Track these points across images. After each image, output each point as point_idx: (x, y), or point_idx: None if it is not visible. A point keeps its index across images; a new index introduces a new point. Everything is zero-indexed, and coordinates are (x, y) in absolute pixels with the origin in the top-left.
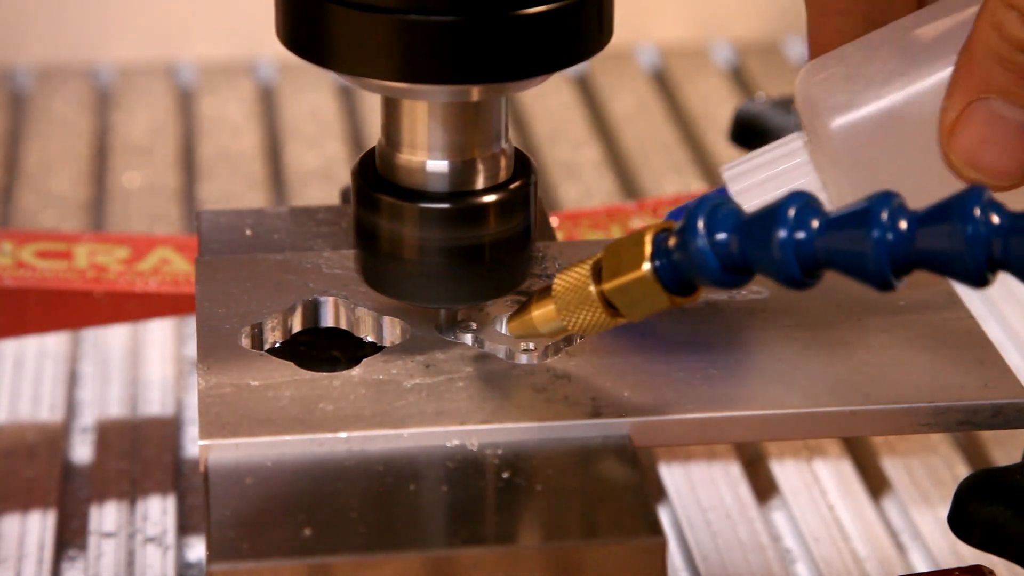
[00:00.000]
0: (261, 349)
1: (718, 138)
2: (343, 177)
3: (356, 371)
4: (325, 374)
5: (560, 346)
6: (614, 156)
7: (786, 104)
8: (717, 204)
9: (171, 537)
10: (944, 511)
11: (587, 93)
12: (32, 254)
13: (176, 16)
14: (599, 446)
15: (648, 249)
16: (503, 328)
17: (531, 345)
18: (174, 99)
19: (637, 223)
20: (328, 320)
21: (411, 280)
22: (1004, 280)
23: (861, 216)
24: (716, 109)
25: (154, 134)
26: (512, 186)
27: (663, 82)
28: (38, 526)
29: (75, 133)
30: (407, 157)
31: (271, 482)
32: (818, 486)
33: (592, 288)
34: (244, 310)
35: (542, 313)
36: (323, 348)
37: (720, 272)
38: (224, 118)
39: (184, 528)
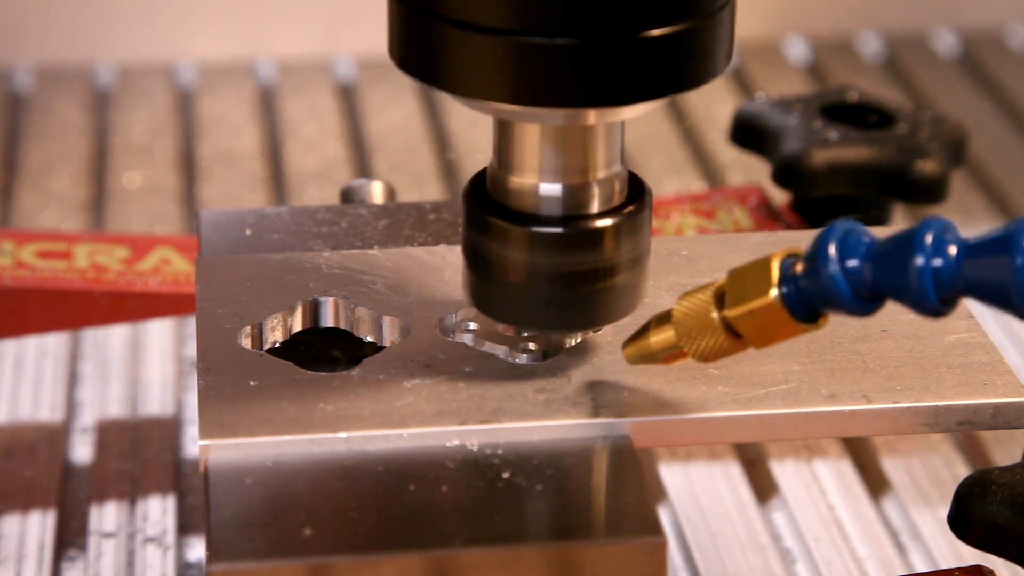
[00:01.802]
0: (261, 349)
1: (718, 138)
2: (343, 177)
3: (356, 371)
4: (325, 374)
5: (560, 346)
6: None
7: (786, 104)
8: (848, 230)
9: (171, 537)
10: (944, 511)
11: None
12: (32, 254)
13: (176, 16)
14: (599, 446)
15: (775, 275)
16: (503, 329)
17: (531, 345)
18: (174, 99)
19: None
20: (328, 320)
21: (523, 305)
22: None
23: (1003, 243)
24: (716, 109)
25: (154, 134)
26: (626, 210)
27: None
28: (38, 526)
29: (75, 133)
30: (519, 180)
31: (271, 482)
32: (818, 486)
33: (715, 314)
34: (244, 310)
35: (661, 339)
36: (323, 348)
37: (852, 300)
38: (224, 118)
39: (184, 528)
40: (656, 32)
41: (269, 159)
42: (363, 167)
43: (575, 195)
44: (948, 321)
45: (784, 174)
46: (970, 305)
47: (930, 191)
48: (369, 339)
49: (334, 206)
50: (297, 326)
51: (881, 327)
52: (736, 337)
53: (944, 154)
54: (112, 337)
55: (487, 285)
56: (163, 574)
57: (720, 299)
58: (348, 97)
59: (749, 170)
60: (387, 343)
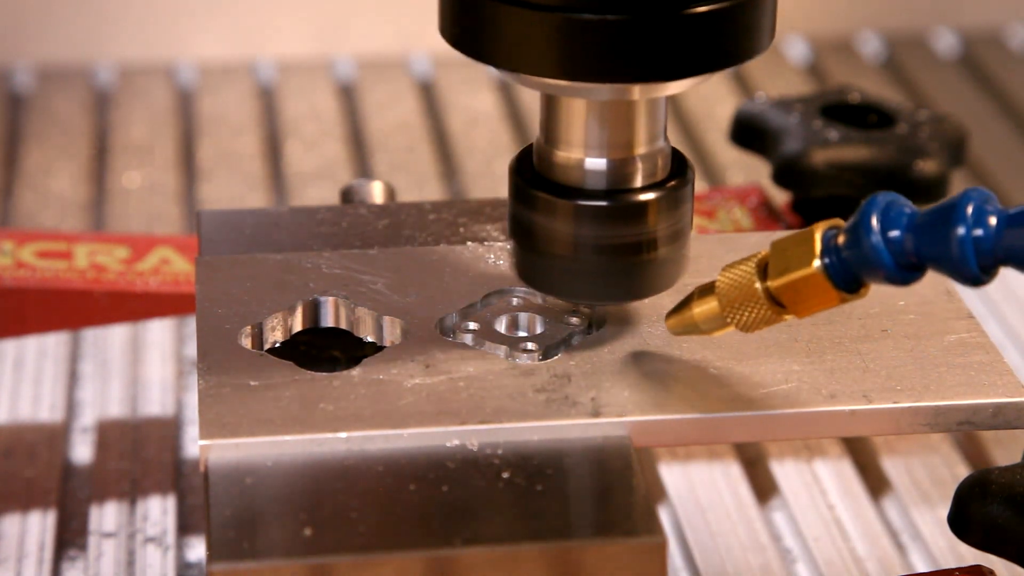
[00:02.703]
0: (261, 349)
1: (718, 138)
2: (343, 177)
3: (356, 371)
4: (325, 374)
5: (560, 346)
6: None
7: (786, 104)
8: (890, 201)
9: (171, 537)
10: (944, 511)
11: None
12: (32, 254)
13: (176, 16)
14: (599, 446)
15: (818, 246)
16: (503, 329)
17: (531, 345)
18: (174, 99)
19: None
20: (328, 320)
21: (569, 277)
22: (1004, 280)
23: None
24: (716, 109)
25: (154, 134)
26: (669, 184)
27: None
28: (38, 526)
29: (75, 133)
30: (565, 154)
31: (271, 482)
32: (818, 486)
33: (758, 285)
34: (244, 310)
35: (704, 310)
36: (323, 348)
37: (894, 269)
38: (224, 118)
39: (184, 528)
40: (702, 8)
41: (269, 159)
42: (363, 167)
43: (619, 169)
44: (948, 321)
45: (784, 174)
46: (970, 305)
47: (930, 191)
48: (369, 339)
49: (334, 206)
50: (297, 326)
51: (881, 327)
52: (779, 307)
53: (944, 154)
54: (112, 337)
55: (533, 258)
56: (163, 574)
57: (763, 270)
58: (348, 97)
59: (749, 170)
60: (387, 343)
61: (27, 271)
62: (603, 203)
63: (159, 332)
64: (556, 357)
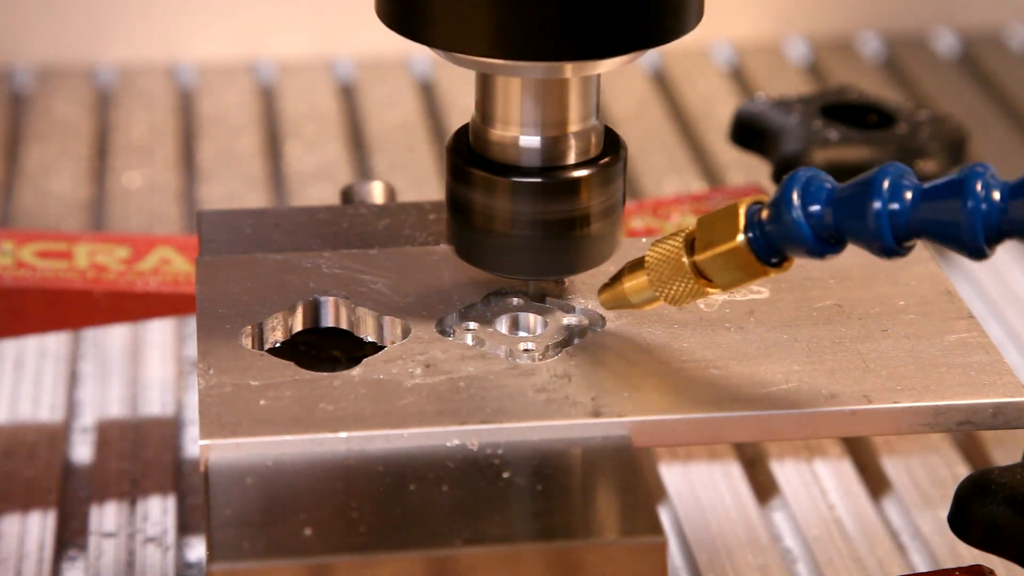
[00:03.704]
0: (261, 349)
1: (718, 138)
2: (343, 177)
3: (356, 371)
4: (325, 374)
5: (560, 346)
6: None
7: (786, 104)
8: (810, 177)
9: (171, 537)
10: (944, 511)
11: None
12: (32, 254)
13: (176, 16)
14: (599, 446)
15: (742, 221)
16: (503, 329)
17: (531, 345)
18: (174, 99)
19: (637, 223)
20: (328, 320)
21: (505, 253)
22: (1004, 280)
23: (955, 187)
24: (716, 109)
25: (154, 134)
26: (602, 161)
27: (663, 82)
28: (38, 526)
29: (75, 133)
30: (500, 132)
31: (271, 482)
32: (818, 486)
33: (685, 259)
34: (244, 310)
35: (634, 284)
36: (323, 348)
37: (814, 242)
38: (224, 118)
39: (184, 528)
40: None
41: (269, 159)
42: (363, 167)
43: (553, 147)
44: (948, 321)
45: (784, 174)
46: (971, 305)
47: None
48: (369, 339)
49: (334, 206)
50: (297, 326)
51: (881, 327)
52: (705, 280)
53: (944, 154)
54: (112, 337)
55: (469, 234)
56: (163, 574)
57: (690, 245)
58: (348, 97)
59: (749, 170)
60: (387, 343)
61: (27, 271)
62: (537, 180)
63: (159, 332)
64: (556, 357)
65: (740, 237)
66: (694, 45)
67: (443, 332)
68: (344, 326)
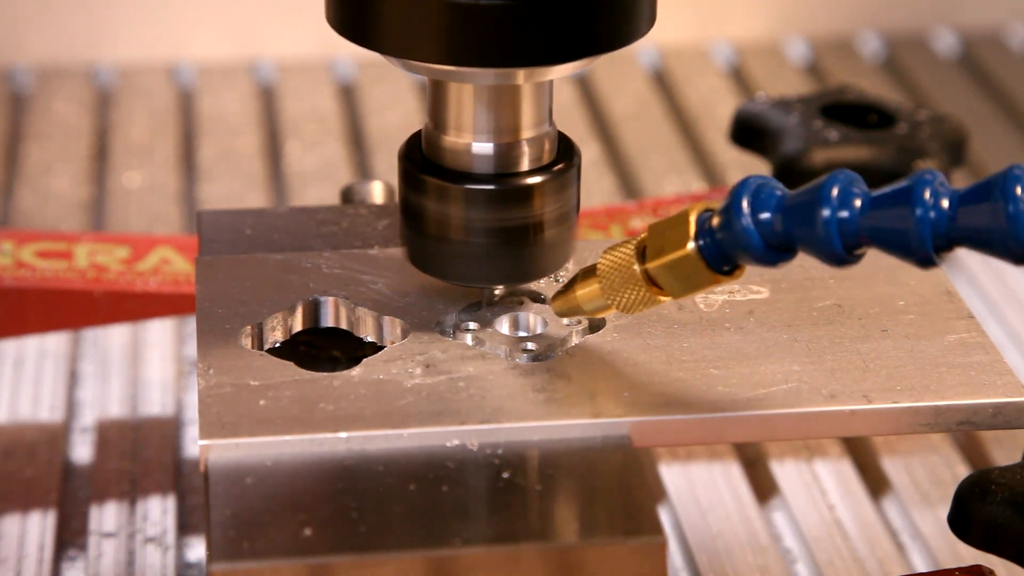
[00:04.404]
0: (261, 349)
1: (718, 138)
2: (343, 177)
3: (356, 371)
4: (325, 374)
5: (560, 346)
6: (614, 156)
7: (786, 104)
8: (760, 184)
9: (171, 537)
10: (944, 511)
11: (587, 93)
12: (32, 254)
13: (176, 16)
14: (599, 446)
15: (692, 228)
16: (503, 329)
17: (531, 345)
18: (174, 99)
19: (637, 223)
20: (328, 320)
21: (457, 260)
22: (1004, 280)
23: (904, 194)
24: (716, 109)
25: (154, 134)
26: (556, 168)
27: (663, 82)
28: (38, 526)
29: (75, 133)
30: (453, 139)
31: (271, 482)
32: (818, 486)
33: (636, 267)
34: (244, 310)
35: (586, 292)
36: (323, 348)
37: (764, 250)
38: (224, 118)
39: (184, 528)
40: None
41: (269, 159)
42: (363, 167)
43: (506, 153)
44: (948, 321)
45: (784, 174)
46: (971, 305)
47: None
48: (369, 339)
49: (334, 206)
50: (297, 326)
51: (881, 327)
52: (657, 288)
53: (944, 154)
54: (112, 337)
55: (423, 241)
56: (163, 574)
57: (642, 252)
58: (348, 97)
59: (749, 170)
60: (387, 343)
61: (27, 271)
62: (490, 187)
63: (159, 332)
64: (556, 357)
65: (690, 244)
66: (694, 45)
67: (443, 332)
68: (344, 326)
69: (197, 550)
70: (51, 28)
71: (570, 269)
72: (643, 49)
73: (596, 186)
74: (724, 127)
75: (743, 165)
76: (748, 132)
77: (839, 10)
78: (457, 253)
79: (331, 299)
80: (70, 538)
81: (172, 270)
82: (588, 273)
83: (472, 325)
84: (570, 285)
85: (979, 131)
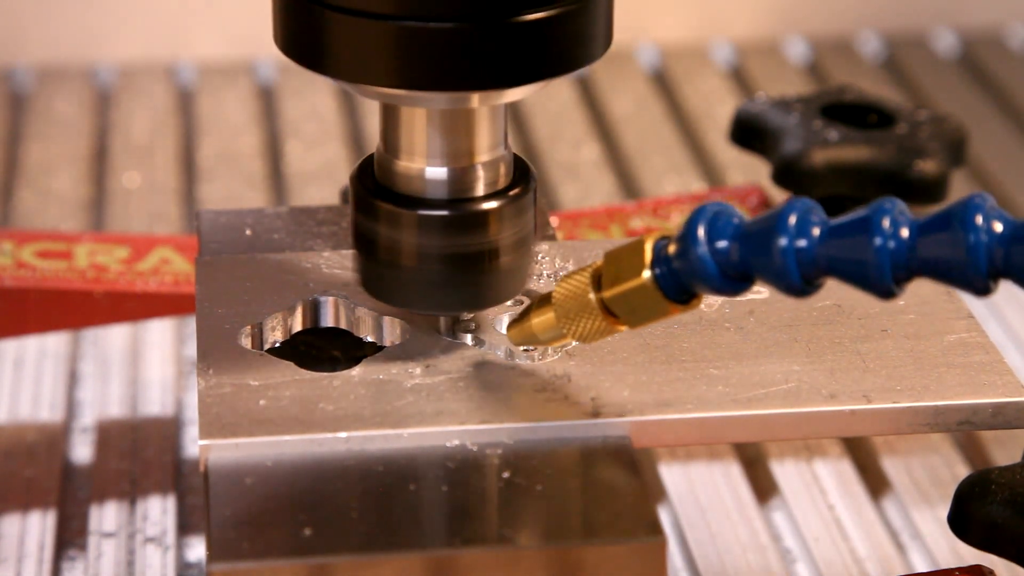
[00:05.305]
0: (261, 349)
1: (718, 138)
2: (343, 177)
3: (356, 371)
4: (325, 374)
5: (561, 346)
6: (614, 156)
7: (786, 104)
8: (717, 212)
9: (171, 537)
10: (944, 511)
11: (587, 93)
12: (32, 254)
13: (176, 16)
14: (599, 446)
15: (648, 256)
16: (503, 329)
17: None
18: (174, 99)
19: (637, 223)
20: (328, 320)
21: (411, 287)
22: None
23: (862, 224)
24: (716, 109)
25: (154, 134)
26: (511, 192)
27: (663, 82)
28: (38, 526)
29: (75, 133)
30: (406, 164)
31: (271, 482)
32: (818, 486)
33: (592, 296)
34: (244, 310)
35: (542, 321)
36: (323, 348)
37: (720, 280)
38: (224, 118)
39: (184, 528)
40: (536, 15)
41: (269, 159)
42: None
43: (460, 178)
44: (948, 321)
45: (784, 174)
46: (971, 305)
47: (930, 191)
48: (369, 339)
49: (334, 206)
50: (297, 326)
51: (881, 327)
52: (613, 317)
53: (944, 154)
54: (112, 337)
55: (376, 268)
56: (163, 574)
57: (597, 281)
58: (348, 97)
59: (749, 170)
60: (387, 343)
61: (27, 271)
62: (444, 212)
63: (159, 332)
64: (556, 357)
65: (646, 273)
66: (694, 45)
67: (443, 332)
68: (344, 326)
69: (197, 550)
70: (51, 28)
71: (562, 275)
72: (643, 49)
73: (596, 186)
74: (724, 127)
75: (743, 165)
76: (748, 132)
77: (839, 10)
78: (410, 280)
79: (331, 299)
80: (70, 538)
81: (172, 270)
82: (544, 301)
83: (472, 325)
84: (525, 314)
85: (979, 131)
